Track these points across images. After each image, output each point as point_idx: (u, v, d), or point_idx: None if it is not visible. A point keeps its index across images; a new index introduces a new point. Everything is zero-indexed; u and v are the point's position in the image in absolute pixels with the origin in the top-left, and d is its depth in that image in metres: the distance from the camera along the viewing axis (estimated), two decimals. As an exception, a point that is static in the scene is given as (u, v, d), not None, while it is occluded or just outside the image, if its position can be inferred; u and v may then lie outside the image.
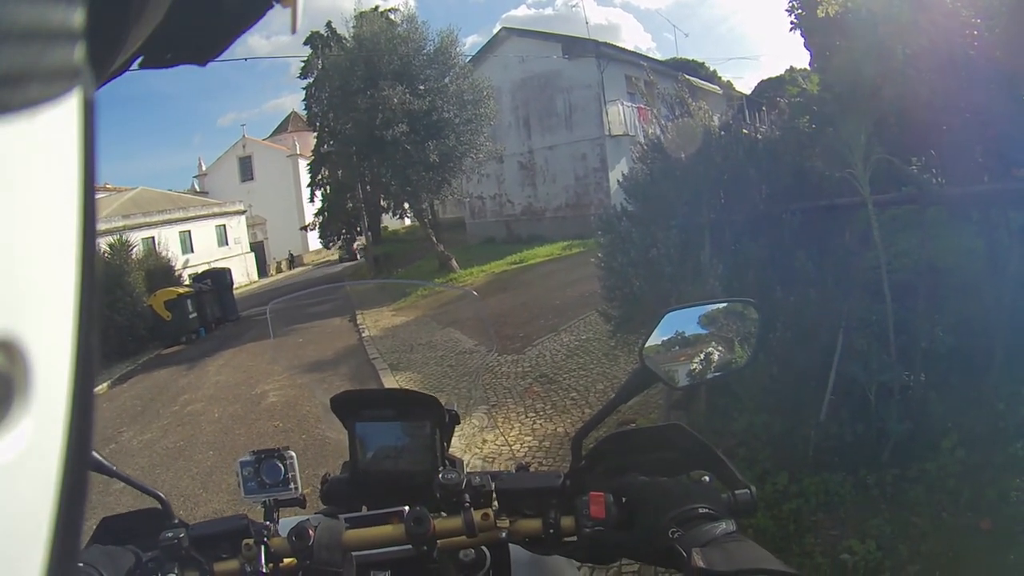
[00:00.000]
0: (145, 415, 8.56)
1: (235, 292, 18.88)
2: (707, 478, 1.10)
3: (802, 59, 7.65)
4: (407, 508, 1.10)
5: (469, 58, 21.03)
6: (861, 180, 3.65)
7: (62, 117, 0.19)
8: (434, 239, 20.19)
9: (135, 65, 0.36)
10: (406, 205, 20.62)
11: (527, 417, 6.16)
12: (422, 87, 17.59)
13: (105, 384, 11.46)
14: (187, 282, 18.37)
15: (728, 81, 32.80)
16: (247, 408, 8.16)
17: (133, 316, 15.02)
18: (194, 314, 15.76)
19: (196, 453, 6.76)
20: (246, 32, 0.39)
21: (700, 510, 0.94)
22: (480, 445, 5.59)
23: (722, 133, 4.59)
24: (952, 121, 3.98)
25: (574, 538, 1.06)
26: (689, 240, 4.54)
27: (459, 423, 1.38)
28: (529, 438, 5.67)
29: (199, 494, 5.47)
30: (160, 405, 9.09)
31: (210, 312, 16.63)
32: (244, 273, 33.13)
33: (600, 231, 5.29)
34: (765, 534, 3.58)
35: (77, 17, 0.19)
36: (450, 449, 1.39)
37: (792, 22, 4.65)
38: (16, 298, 0.18)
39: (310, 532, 1.06)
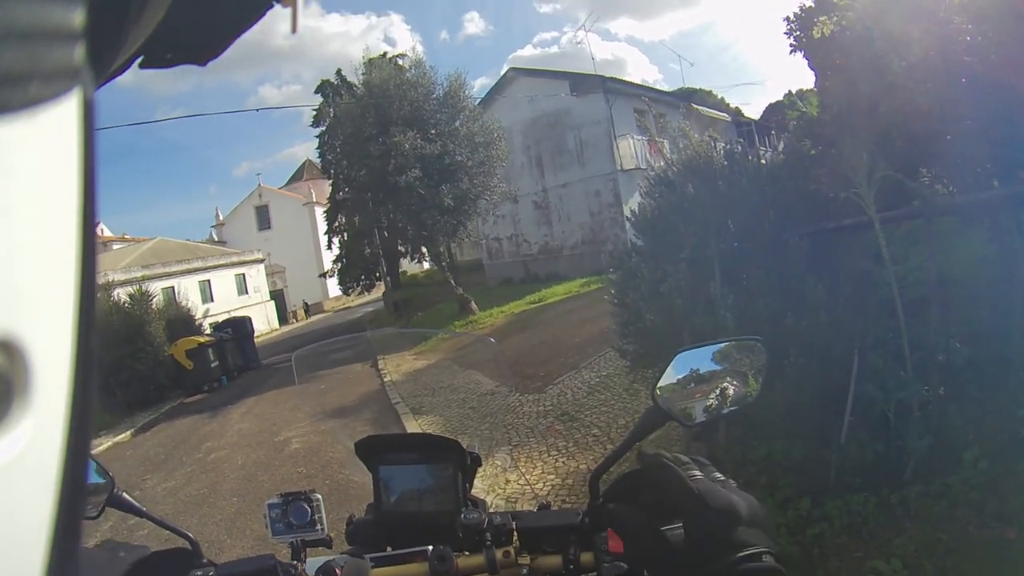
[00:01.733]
0: (169, 463, 8.58)
1: (256, 340, 18.92)
2: None
3: (808, 80, 7.62)
4: (431, 547, 1.13)
5: (478, 100, 21.11)
6: (866, 199, 3.67)
7: (62, 117, 0.20)
8: (452, 282, 20.07)
9: (135, 65, 0.36)
10: (423, 249, 20.65)
11: (549, 456, 6.15)
12: (433, 131, 17.65)
13: (128, 432, 11.51)
14: (208, 331, 18.31)
15: (736, 108, 32.77)
16: (270, 455, 8.17)
17: (155, 365, 15.05)
18: (216, 363, 15.77)
19: (220, 500, 6.77)
20: (246, 32, 0.39)
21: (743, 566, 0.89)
22: (503, 486, 5.57)
23: (725, 163, 4.62)
24: (954, 129, 3.99)
25: (594, 574, 1.09)
26: (698, 272, 4.56)
27: (481, 465, 1.41)
28: (552, 476, 5.65)
29: (224, 540, 5.48)
30: (183, 452, 9.11)
31: (231, 360, 16.65)
32: (265, 321, 33.21)
33: (612, 268, 5.37)
34: (790, 560, 3.55)
35: (77, 17, 0.19)
36: (473, 490, 1.41)
37: (792, 44, 4.70)
38: (16, 298, 0.18)
39: (337, 572, 1.09)
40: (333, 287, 39.39)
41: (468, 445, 1.39)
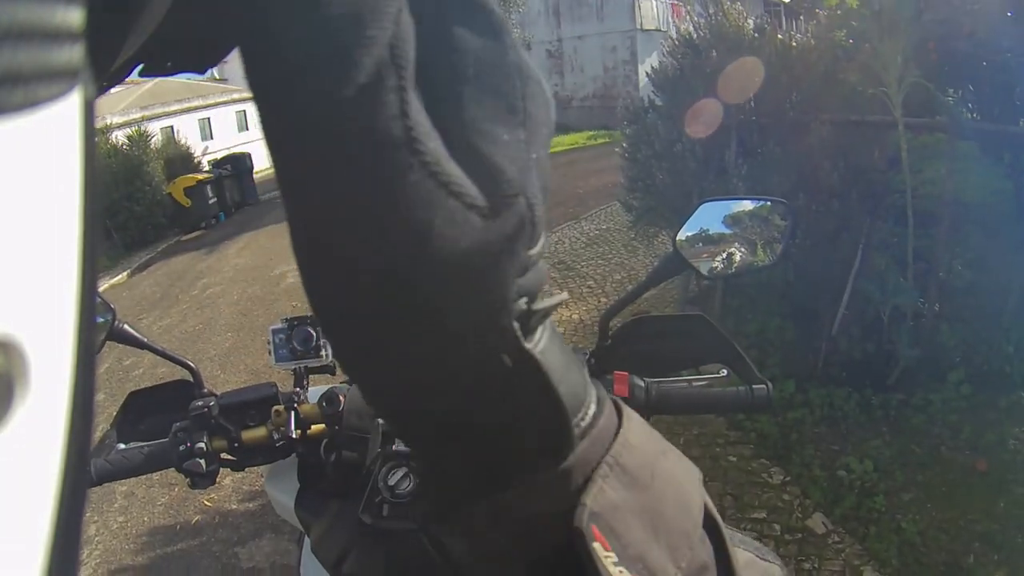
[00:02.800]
0: (165, 301, 8.69)
1: (256, 176, 18.76)
2: (724, 371, 1.11)
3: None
4: None
5: None
6: (894, 101, 3.54)
7: (63, 117, 0.19)
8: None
9: (135, 73, 0.35)
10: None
11: (543, 303, 6.19)
12: None
13: (124, 273, 11.55)
14: (207, 168, 18.01)
15: None
16: (266, 289, 8.22)
17: (152, 205, 14.88)
18: (214, 199, 15.66)
19: (215, 335, 6.85)
20: None
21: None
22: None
23: (756, 35, 4.46)
24: (993, 58, 3.81)
25: None
26: (715, 138, 4.48)
27: None
28: (545, 325, 5.70)
29: (218, 375, 5.57)
30: (179, 290, 9.20)
31: (230, 197, 16.52)
32: (265, 157, 32.85)
33: (626, 121, 5.23)
34: (767, 440, 3.69)
35: (77, 17, 0.19)
36: None
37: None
38: (16, 298, 0.18)
39: (341, 398, 1.08)
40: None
41: None
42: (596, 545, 0.35)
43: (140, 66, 0.34)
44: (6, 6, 0.17)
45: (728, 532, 0.45)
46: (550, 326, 0.35)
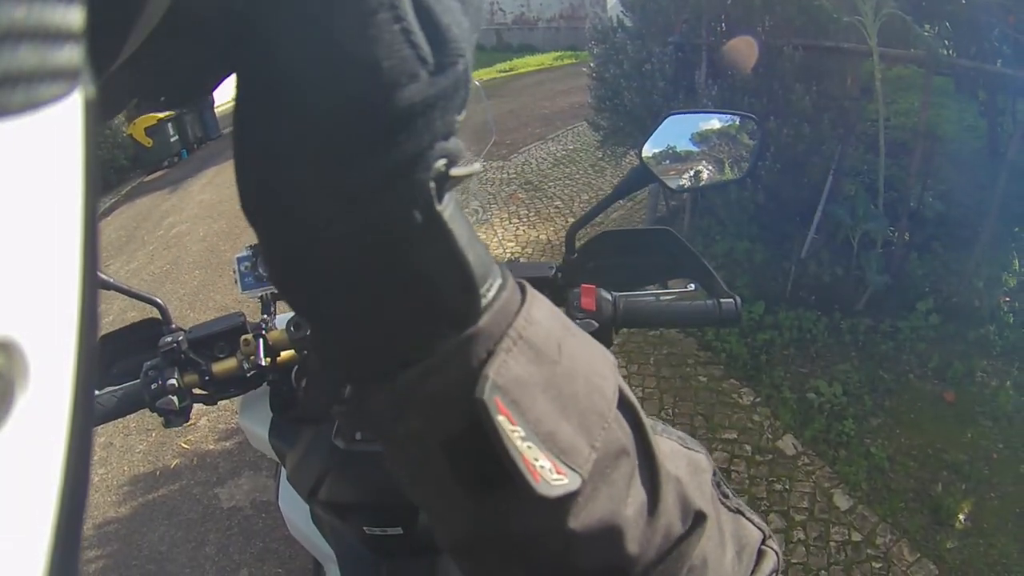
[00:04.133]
0: (131, 244, 8.47)
1: (217, 110, 18.37)
2: (692, 286, 1.11)
3: None
4: None
5: None
6: (869, 29, 3.50)
7: (64, 118, 0.19)
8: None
9: (132, 104, 0.36)
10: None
11: (510, 223, 6.19)
12: None
13: (87, 220, 11.22)
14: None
15: None
16: (231, 224, 8.06)
17: (113, 148, 14.43)
18: (175, 137, 15.27)
19: (183, 274, 6.74)
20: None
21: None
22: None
23: None
24: None
25: None
26: (685, 59, 4.44)
27: None
28: (512, 244, 5.72)
29: (187, 314, 5.46)
30: (145, 232, 8.99)
31: (192, 133, 16.10)
32: (227, 89, 32.20)
33: (594, 41, 5.14)
34: (737, 360, 3.74)
35: (77, 17, 0.18)
36: None
37: None
38: (16, 299, 0.18)
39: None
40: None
41: None
42: (501, 418, 0.35)
43: (135, 99, 0.35)
44: (6, 6, 0.17)
45: (650, 421, 0.45)
46: (456, 201, 0.36)
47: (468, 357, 0.36)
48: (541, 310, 0.40)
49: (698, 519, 0.46)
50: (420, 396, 0.36)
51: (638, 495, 0.43)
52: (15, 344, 0.17)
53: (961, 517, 2.80)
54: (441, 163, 0.33)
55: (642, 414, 0.44)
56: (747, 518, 0.55)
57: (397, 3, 0.29)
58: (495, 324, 0.37)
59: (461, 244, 0.35)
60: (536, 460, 0.35)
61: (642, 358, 3.91)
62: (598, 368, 0.42)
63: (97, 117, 0.21)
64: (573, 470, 0.37)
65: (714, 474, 0.53)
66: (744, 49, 3.91)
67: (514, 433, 0.35)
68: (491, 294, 0.37)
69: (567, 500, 0.38)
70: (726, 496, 0.54)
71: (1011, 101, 4.17)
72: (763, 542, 0.54)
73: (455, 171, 0.34)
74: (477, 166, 0.36)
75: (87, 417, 0.21)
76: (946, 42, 4.10)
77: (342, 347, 0.39)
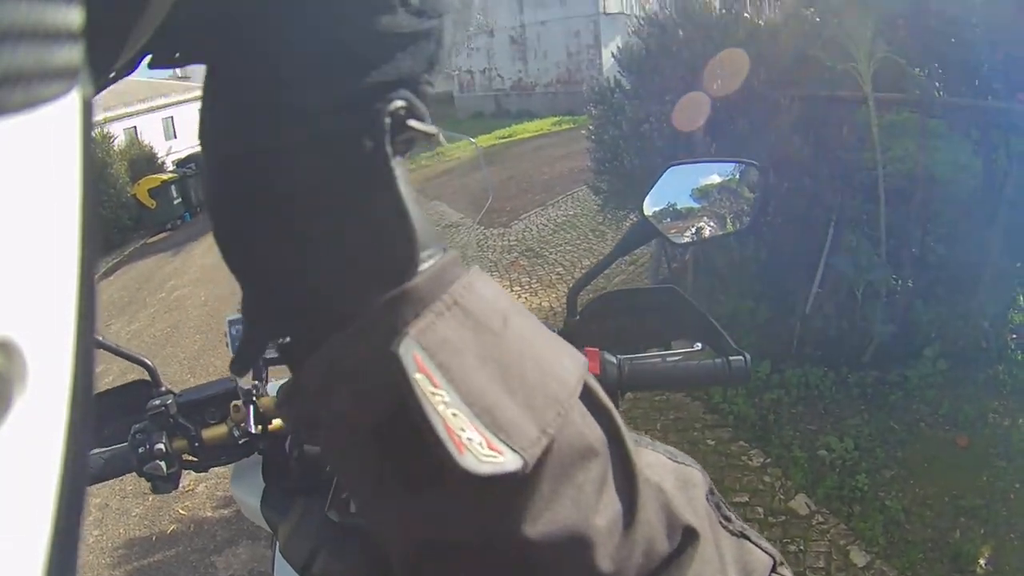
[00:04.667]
0: (132, 305, 8.56)
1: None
2: (699, 345, 1.09)
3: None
4: None
5: None
6: (864, 75, 3.56)
7: (62, 117, 0.19)
8: (422, 114, 19.88)
9: (144, 64, 0.34)
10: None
11: (512, 291, 6.18)
12: None
13: (89, 280, 11.37)
14: (171, 168, 17.84)
15: None
16: (233, 288, 7.78)
17: (117, 208, 14.73)
18: (179, 199, 15.54)
19: (183, 339, 6.78)
20: None
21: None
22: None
23: (723, 11, 4.45)
24: (961, 35, 3.83)
25: None
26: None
27: None
28: (514, 313, 5.71)
29: (187, 379, 5.48)
30: (147, 294, 9.07)
31: (195, 196, 16.34)
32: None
33: (592, 103, 5.21)
34: (745, 422, 3.70)
35: (77, 17, 0.19)
36: None
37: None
38: (16, 299, 0.17)
39: None
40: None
41: None
42: (419, 376, 0.31)
43: (148, 57, 0.34)
44: (6, 6, 0.17)
45: (635, 435, 0.43)
46: (404, 165, 0.35)
47: (395, 318, 0.33)
48: (484, 283, 0.37)
49: (688, 536, 0.42)
50: (347, 367, 0.33)
51: (611, 504, 0.38)
52: (13, 344, 0.17)
53: (982, 562, 2.75)
54: (400, 104, 0.32)
55: (617, 417, 0.41)
56: (753, 542, 0.48)
57: None
58: (428, 288, 0.34)
59: (405, 197, 0.34)
60: (462, 430, 0.31)
61: (648, 424, 3.86)
62: (558, 356, 0.38)
63: (94, 118, 0.21)
64: (513, 450, 0.32)
65: (712, 493, 0.48)
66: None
67: (435, 396, 0.31)
68: (430, 260, 0.35)
69: (520, 501, 0.34)
70: (727, 519, 0.48)
71: (1004, 136, 4.17)
72: (773, 569, 0.48)
73: (413, 122, 0.33)
74: (435, 128, 0.35)
75: (85, 417, 0.21)
76: (937, 84, 4.15)
77: (271, 301, 0.37)
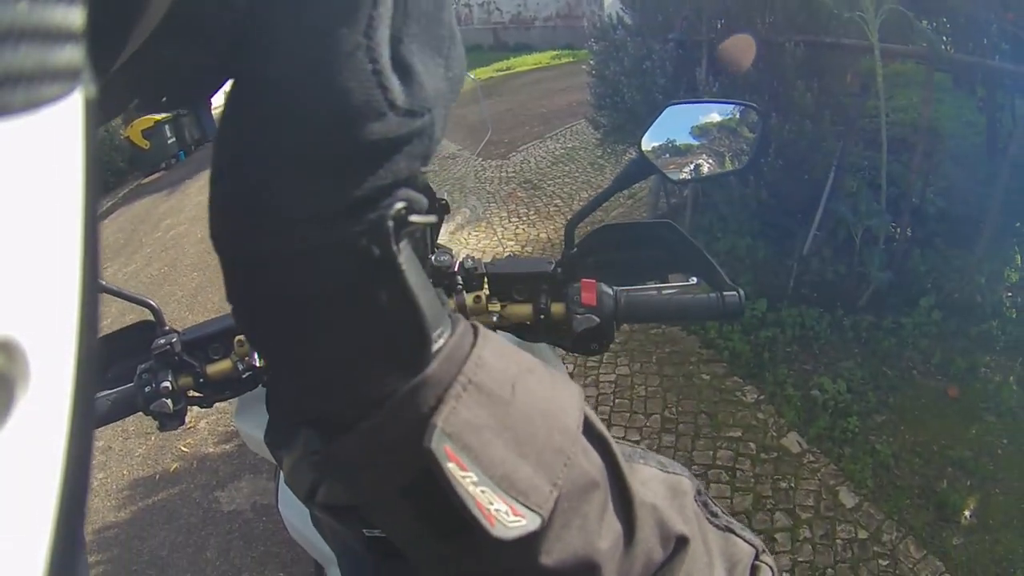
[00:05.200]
0: (128, 246, 8.47)
1: (214, 112, 18.38)
2: (694, 279, 1.09)
3: None
4: None
5: None
6: (871, 25, 3.48)
7: (65, 117, 0.19)
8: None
9: (132, 107, 0.37)
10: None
11: (510, 222, 6.18)
12: None
13: (85, 224, 11.26)
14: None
15: None
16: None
17: (111, 151, 14.43)
18: (172, 139, 15.28)
19: (181, 276, 6.72)
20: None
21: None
22: (464, 244, 5.73)
23: None
24: None
25: (565, 327, 1.06)
26: (686, 55, 4.43)
27: (448, 212, 1.36)
28: (511, 243, 5.71)
29: (186, 317, 5.48)
30: (143, 234, 8.98)
31: (189, 135, 16.08)
32: (222, 91, 32.34)
33: (593, 39, 5.14)
34: (740, 358, 3.73)
35: (78, 17, 0.19)
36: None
37: None
38: (17, 298, 0.18)
39: None
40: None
41: (436, 192, 1.33)
42: (451, 466, 0.35)
43: (135, 100, 0.36)
44: (6, 6, 0.17)
45: (628, 449, 0.48)
46: (411, 249, 0.38)
47: (418, 405, 0.37)
48: (493, 352, 0.40)
49: (680, 544, 0.47)
50: (381, 446, 0.37)
51: (612, 527, 0.43)
52: (16, 344, 0.17)
53: (967, 514, 2.80)
54: (400, 206, 0.35)
55: (612, 444, 0.45)
56: (738, 535, 0.55)
57: (375, 48, 0.32)
58: (444, 370, 0.37)
59: (414, 288, 0.36)
60: (491, 504, 0.36)
61: (644, 356, 3.90)
62: (559, 403, 0.42)
63: (97, 118, 0.21)
64: (532, 511, 0.38)
65: (699, 493, 0.54)
66: (742, 47, 3.90)
67: (466, 479, 0.36)
68: (441, 341, 0.38)
69: (535, 538, 0.38)
70: (714, 515, 0.55)
71: (1010, 97, 4.18)
72: (756, 557, 0.54)
73: (414, 217, 0.36)
74: (432, 217, 0.38)
75: (87, 417, 0.21)
76: (944, 38, 4.10)
77: (295, 386, 0.40)
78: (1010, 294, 3.74)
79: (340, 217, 0.34)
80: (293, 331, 0.37)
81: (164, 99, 0.38)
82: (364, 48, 0.32)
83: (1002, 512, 2.80)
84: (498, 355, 0.40)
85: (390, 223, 0.34)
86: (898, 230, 3.81)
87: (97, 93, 0.20)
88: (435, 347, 0.38)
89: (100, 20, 0.21)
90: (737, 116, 1.23)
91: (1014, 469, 2.97)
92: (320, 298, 0.36)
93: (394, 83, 0.33)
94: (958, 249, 3.87)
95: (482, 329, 0.42)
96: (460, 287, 1.08)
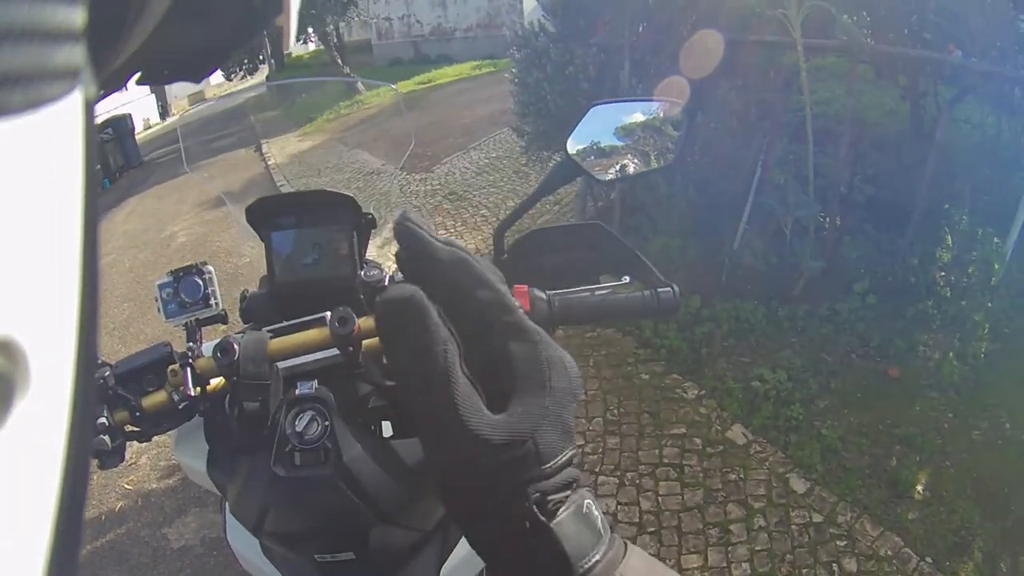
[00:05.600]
0: (56, 277, 8.23)
1: (138, 138, 17.99)
2: (627, 278, 1.10)
3: None
4: (329, 313, 1.06)
5: None
6: (793, 22, 3.58)
7: (64, 117, 0.19)
8: (340, 62, 19.22)
9: (134, 80, 0.37)
10: (310, 29, 19.73)
11: (438, 235, 6.15)
12: None
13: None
14: (84, 133, 17.18)
15: None
16: (157, 253, 7.96)
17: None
18: (97, 166, 15.01)
19: (111, 308, 6.51)
20: (238, 49, 0.40)
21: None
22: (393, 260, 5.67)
23: None
24: None
25: None
26: (609, 60, 4.48)
27: (375, 227, 1.34)
28: (440, 257, 5.69)
29: (119, 350, 5.28)
30: (69, 265, 8.74)
31: (113, 162, 15.74)
32: (143, 118, 31.67)
33: (515, 47, 5.16)
34: (678, 355, 3.79)
35: (77, 17, 0.18)
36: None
37: None
38: (17, 298, 0.18)
39: (235, 347, 1.01)
40: (215, 73, 37.32)
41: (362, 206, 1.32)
42: None
43: (138, 74, 0.36)
44: (6, 6, 0.17)
45: None
46: (576, 502, 0.50)
47: None
48: (640, 561, 0.51)
49: None
50: None
51: None
52: (16, 344, 0.17)
53: (919, 488, 2.89)
54: (535, 495, 0.48)
55: None
56: None
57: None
58: None
59: (565, 541, 0.48)
60: None
61: (581, 360, 3.90)
62: None
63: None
64: None
65: None
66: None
67: None
68: (597, 556, 0.49)
69: None
70: None
71: (932, 84, 4.30)
72: None
73: (554, 497, 0.49)
74: (581, 496, 0.51)
75: (87, 416, 0.22)
76: (865, 30, 4.21)
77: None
78: (943, 273, 3.85)
79: (501, 504, 0.48)
80: (492, 548, 0.51)
81: (166, 72, 0.38)
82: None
83: (954, 483, 2.90)
84: (643, 563, 0.51)
85: (533, 508, 0.47)
86: (827, 219, 3.91)
87: (96, 94, 0.21)
88: (587, 565, 0.48)
89: (100, 20, 0.21)
90: (661, 114, 1.23)
91: (961, 441, 3.08)
92: (502, 538, 0.50)
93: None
94: (888, 234, 3.99)
95: (630, 545, 0.52)
96: None
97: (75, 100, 0.19)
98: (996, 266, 3.76)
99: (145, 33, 0.29)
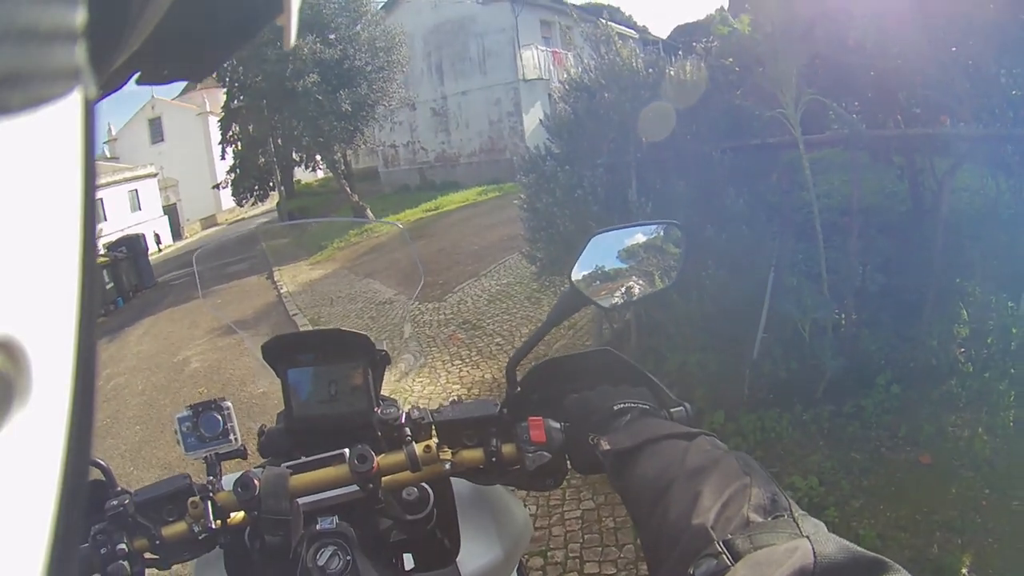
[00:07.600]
0: (68, 395, 8.18)
1: (151, 258, 18.21)
2: (640, 402, 1.11)
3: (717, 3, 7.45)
4: (347, 450, 1.08)
5: (381, 4, 21.01)
6: (792, 120, 3.67)
7: (64, 118, 0.19)
8: (348, 190, 19.95)
9: (133, 80, 0.37)
10: (318, 157, 20.33)
11: (452, 365, 6.16)
12: (333, 36, 17.50)
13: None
14: (102, 252, 17.36)
15: (644, 26, 33.52)
16: (170, 377, 7.94)
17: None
18: (110, 284, 15.07)
19: (123, 430, 6.51)
20: (240, 49, 0.40)
21: (616, 407, 0.97)
22: (409, 392, 5.64)
23: (649, 71, 4.54)
24: (881, 66, 4.00)
25: (518, 467, 1.06)
26: (616, 179, 4.53)
27: (390, 363, 1.37)
28: (456, 386, 5.68)
29: (130, 472, 5.25)
30: (82, 384, 8.70)
31: (127, 281, 15.95)
32: (156, 238, 32.09)
33: (523, 172, 5.24)
34: None
35: (78, 17, 0.19)
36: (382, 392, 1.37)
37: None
38: (16, 298, 0.18)
39: (255, 482, 1.03)
40: (226, 199, 37.93)
41: (376, 343, 1.34)
42: None
43: (137, 73, 0.36)
44: (6, 6, 0.17)
45: None
46: None
47: None
48: None
49: None
50: None
51: None
52: (16, 344, 0.18)
53: (964, 571, 2.78)
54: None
55: None
56: None
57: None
58: None
59: None
60: None
61: (607, 488, 3.74)
62: None
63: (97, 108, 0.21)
64: None
65: None
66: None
67: None
68: None
69: None
70: None
71: (928, 159, 4.32)
72: None
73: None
74: None
75: (87, 415, 0.21)
76: (855, 116, 4.29)
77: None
78: (963, 349, 3.81)
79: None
80: None
81: (166, 72, 0.38)
82: None
83: (1000, 558, 2.80)
84: None
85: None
86: (844, 315, 3.89)
87: (96, 94, 0.21)
88: None
89: (100, 20, 0.21)
90: (661, 234, 1.27)
91: (1002, 515, 2.97)
92: None
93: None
94: (905, 319, 3.95)
95: None
96: (409, 439, 1.09)
97: (75, 100, 0.19)
98: (1014, 330, 3.73)
99: (145, 33, 0.29)
